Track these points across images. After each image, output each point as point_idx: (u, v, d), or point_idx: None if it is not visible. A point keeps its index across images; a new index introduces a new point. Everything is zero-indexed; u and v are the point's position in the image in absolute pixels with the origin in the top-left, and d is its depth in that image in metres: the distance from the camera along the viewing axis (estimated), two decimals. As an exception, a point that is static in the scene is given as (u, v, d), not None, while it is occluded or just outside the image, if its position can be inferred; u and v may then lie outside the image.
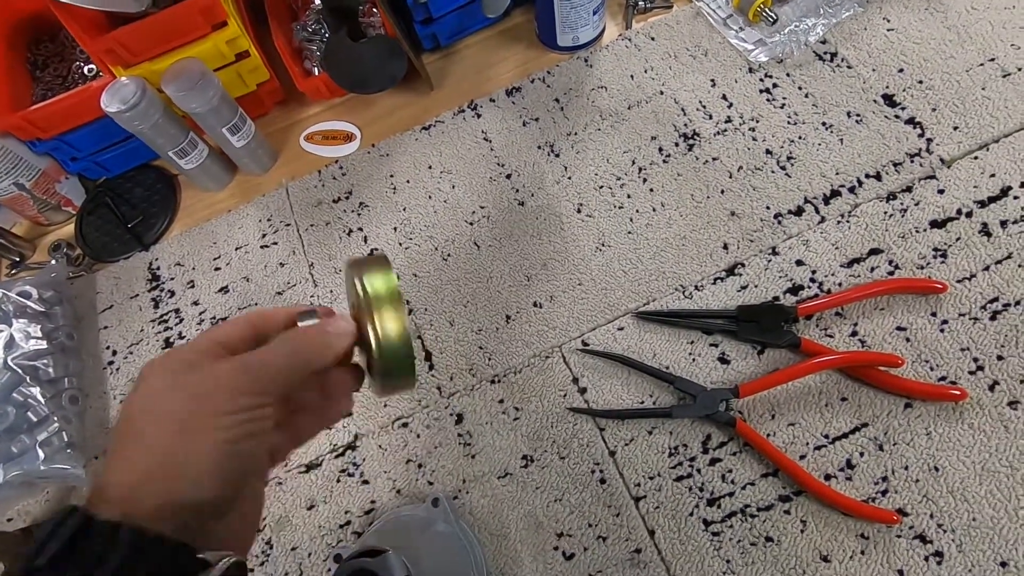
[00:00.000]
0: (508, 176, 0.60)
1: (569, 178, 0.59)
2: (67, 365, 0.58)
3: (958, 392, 0.44)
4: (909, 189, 0.52)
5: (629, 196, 0.57)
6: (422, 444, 0.51)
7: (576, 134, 0.61)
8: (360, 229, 0.61)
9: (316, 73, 0.66)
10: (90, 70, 0.65)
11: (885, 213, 0.52)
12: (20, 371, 0.54)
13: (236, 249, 0.63)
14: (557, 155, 0.60)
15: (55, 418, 0.53)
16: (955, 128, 0.54)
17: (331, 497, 0.50)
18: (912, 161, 0.53)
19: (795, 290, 0.50)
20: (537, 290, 0.55)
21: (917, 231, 0.51)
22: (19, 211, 0.67)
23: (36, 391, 0.54)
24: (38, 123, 0.59)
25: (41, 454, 0.51)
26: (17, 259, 0.67)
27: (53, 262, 0.64)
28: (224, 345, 0.26)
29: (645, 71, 0.63)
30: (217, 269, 0.62)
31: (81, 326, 0.62)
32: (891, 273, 0.50)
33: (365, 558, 0.39)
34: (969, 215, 0.50)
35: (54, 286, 0.61)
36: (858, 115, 0.56)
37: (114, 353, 0.60)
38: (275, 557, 0.49)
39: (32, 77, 0.66)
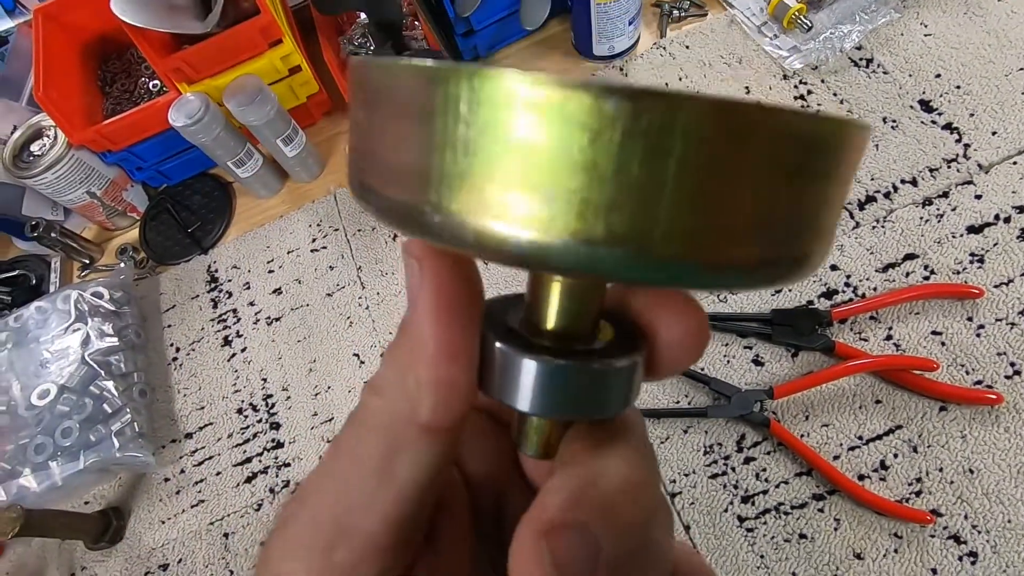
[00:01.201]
0: (546, 183, 0.63)
1: (605, 184, 0.61)
2: (136, 361, 0.62)
3: (994, 396, 0.44)
4: (946, 194, 0.53)
5: (664, 202, 0.59)
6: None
7: (612, 141, 0.63)
8: (404, 234, 0.64)
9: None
10: (154, 85, 0.70)
11: (921, 218, 0.52)
12: (96, 366, 0.58)
13: (288, 253, 0.66)
14: (594, 162, 0.62)
15: (127, 410, 0.57)
16: (993, 133, 0.54)
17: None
18: (949, 167, 0.54)
19: (829, 294, 0.52)
20: (575, 293, 0.57)
21: (953, 236, 0.51)
22: (89, 217, 0.72)
23: (110, 384, 0.58)
24: (110, 136, 0.63)
25: (116, 443, 0.55)
26: (87, 261, 0.72)
27: (121, 264, 0.69)
28: None
29: (680, 79, 0.64)
30: (271, 272, 0.66)
31: (146, 325, 0.66)
32: (927, 278, 0.50)
33: None
34: (1007, 220, 0.51)
35: (123, 287, 0.65)
36: (894, 121, 0.57)
37: (177, 350, 0.64)
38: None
39: (102, 92, 0.71)
